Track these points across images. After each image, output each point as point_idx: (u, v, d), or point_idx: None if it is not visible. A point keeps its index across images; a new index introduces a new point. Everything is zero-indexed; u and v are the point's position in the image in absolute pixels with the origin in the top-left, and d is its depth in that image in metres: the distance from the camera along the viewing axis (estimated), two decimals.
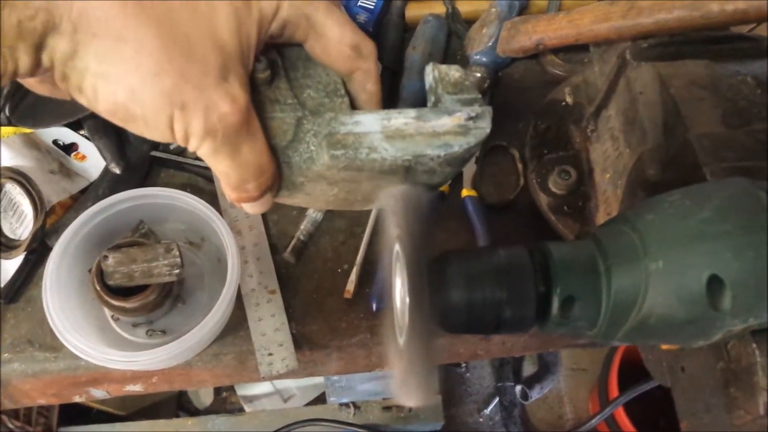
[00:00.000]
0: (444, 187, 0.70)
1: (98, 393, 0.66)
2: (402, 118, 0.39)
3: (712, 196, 0.39)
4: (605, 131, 0.62)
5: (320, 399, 1.55)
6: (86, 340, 0.57)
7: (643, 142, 0.54)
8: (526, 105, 0.75)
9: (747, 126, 0.47)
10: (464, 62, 0.77)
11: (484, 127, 0.40)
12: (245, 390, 1.59)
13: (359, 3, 0.78)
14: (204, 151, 0.39)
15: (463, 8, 0.79)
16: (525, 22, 0.71)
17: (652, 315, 0.38)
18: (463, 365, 1.68)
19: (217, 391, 1.63)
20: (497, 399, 1.58)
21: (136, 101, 0.36)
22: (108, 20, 0.34)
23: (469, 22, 0.79)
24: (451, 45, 0.79)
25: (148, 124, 0.37)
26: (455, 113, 0.40)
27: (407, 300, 0.37)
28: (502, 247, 0.41)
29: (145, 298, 0.58)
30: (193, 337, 0.57)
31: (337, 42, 0.42)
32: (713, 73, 0.52)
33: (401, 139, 0.39)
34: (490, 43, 0.74)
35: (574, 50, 0.75)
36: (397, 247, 0.39)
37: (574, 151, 0.68)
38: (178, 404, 1.62)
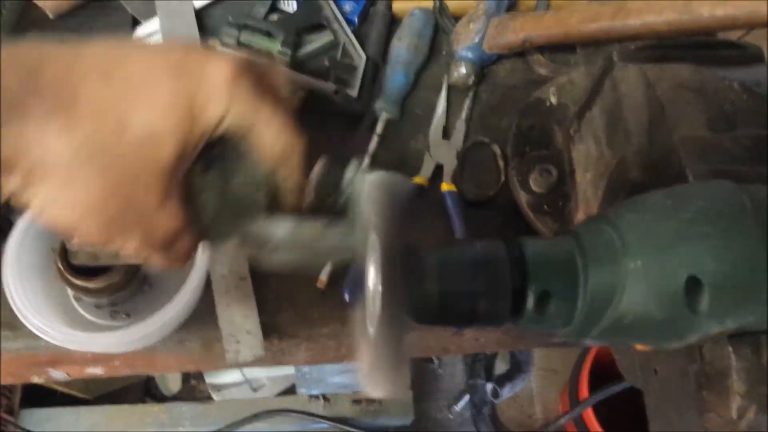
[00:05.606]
0: (423, 180, 0.69)
1: (58, 375, 0.64)
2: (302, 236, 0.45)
3: (694, 197, 0.38)
4: (588, 132, 0.62)
5: (290, 390, 1.53)
6: (47, 320, 0.55)
7: (626, 143, 0.53)
8: (510, 103, 0.74)
9: (732, 131, 0.47)
10: (450, 57, 0.77)
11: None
12: (214, 378, 1.57)
13: None
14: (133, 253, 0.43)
15: (451, 4, 0.79)
16: (513, 19, 0.71)
17: (628, 314, 0.37)
18: (436, 361, 1.67)
19: (186, 378, 1.60)
20: (468, 396, 1.58)
21: (80, 227, 0.40)
22: (60, 165, 0.37)
23: (457, 18, 0.78)
24: (437, 40, 0.79)
25: (88, 240, 0.42)
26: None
27: (379, 288, 0.36)
28: (479, 239, 0.41)
29: (109, 279, 0.57)
30: (157, 321, 0.55)
31: (270, 145, 0.43)
32: (700, 77, 0.51)
33: (299, 249, 0.45)
34: (477, 39, 0.74)
35: (561, 51, 0.75)
36: (373, 235, 0.38)
37: (556, 151, 0.68)
38: (145, 390, 1.60)
